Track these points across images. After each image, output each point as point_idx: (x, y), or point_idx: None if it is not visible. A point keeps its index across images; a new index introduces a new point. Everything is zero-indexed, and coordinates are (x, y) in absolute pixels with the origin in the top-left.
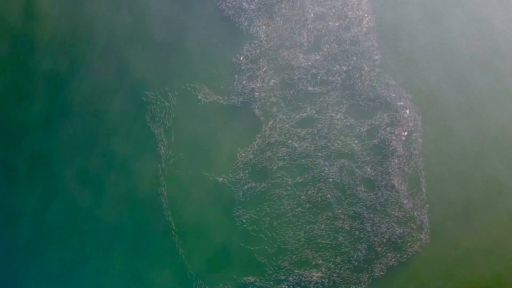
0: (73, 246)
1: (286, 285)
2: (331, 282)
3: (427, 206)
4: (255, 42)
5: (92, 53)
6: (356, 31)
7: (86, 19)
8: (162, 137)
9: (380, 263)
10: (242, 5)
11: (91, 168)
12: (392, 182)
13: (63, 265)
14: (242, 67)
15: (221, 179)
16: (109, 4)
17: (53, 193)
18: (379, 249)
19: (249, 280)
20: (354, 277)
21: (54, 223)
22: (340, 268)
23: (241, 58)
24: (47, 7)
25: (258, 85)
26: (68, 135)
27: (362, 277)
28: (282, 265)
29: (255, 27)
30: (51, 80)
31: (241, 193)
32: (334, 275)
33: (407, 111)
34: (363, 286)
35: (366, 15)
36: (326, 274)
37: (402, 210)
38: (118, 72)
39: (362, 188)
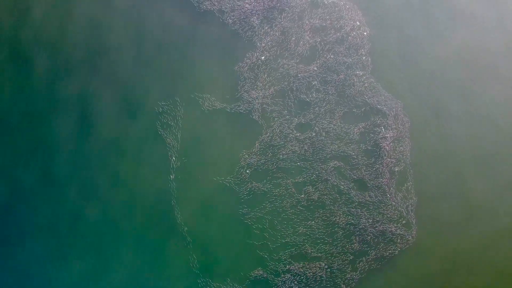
0: (86, 255)
1: (287, 277)
2: (329, 273)
3: (415, 199)
4: (257, 52)
5: (102, 65)
6: (350, 42)
7: (97, 32)
8: (173, 145)
9: (373, 256)
10: (245, 18)
11: (104, 176)
12: (383, 181)
13: (72, 270)
14: (244, 76)
15: (227, 181)
16: (120, 18)
17: (64, 199)
18: (373, 243)
19: (256, 274)
20: (350, 268)
21: (64, 229)
22: (337, 260)
23: (244, 67)
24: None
25: (260, 93)
26: (81, 142)
27: (357, 268)
28: (283, 259)
29: (257, 38)
30: (63, 89)
31: (245, 193)
32: (332, 266)
33: (397, 116)
34: (358, 276)
35: (360, 26)
36: (324, 266)
37: (393, 208)
38: (128, 84)
39: (356, 189)
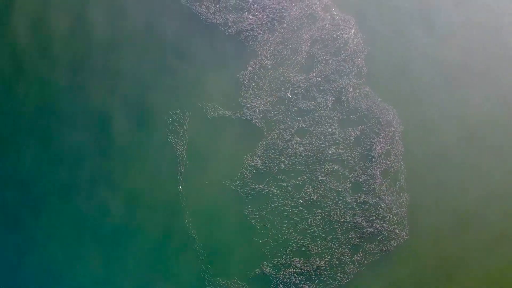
0: (93, 259)
1: (289, 272)
2: (328, 266)
3: (407, 200)
4: (258, 61)
5: (108, 74)
6: (346, 51)
7: (106, 44)
8: (181, 152)
9: (370, 251)
10: (249, 30)
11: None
12: (377, 183)
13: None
14: (247, 84)
15: (234, 183)
16: (126, 31)
17: (73, 203)
18: (369, 240)
19: (259, 270)
20: (348, 262)
21: (70, 235)
22: (336, 255)
23: (246, 75)
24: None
25: (262, 100)
26: (90, 148)
27: (355, 262)
28: (284, 255)
29: (259, 48)
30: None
31: (249, 194)
32: (331, 261)
33: (391, 121)
34: (357, 269)
35: (355, 37)
36: (323, 261)
37: (387, 207)
38: (137, 93)
39: (352, 190)
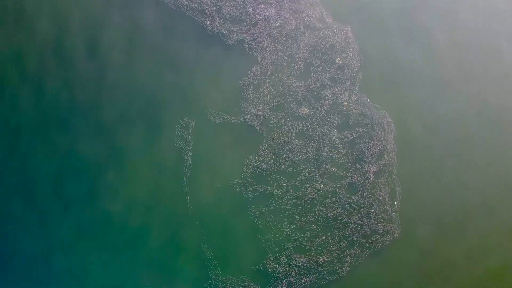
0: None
1: (289, 266)
2: (326, 260)
3: (400, 199)
4: (259, 68)
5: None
6: (342, 59)
7: (116, 55)
8: (188, 158)
9: (366, 246)
10: (252, 40)
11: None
12: (370, 183)
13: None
14: (248, 90)
15: (237, 185)
16: (135, 41)
17: (80, 210)
18: (365, 236)
19: (261, 266)
20: (345, 257)
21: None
22: (334, 250)
23: (248, 81)
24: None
25: (262, 105)
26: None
27: (352, 256)
28: (284, 251)
29: (260, 56)
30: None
31: (252, 195)
32: (329, 255)
33: (383, 125)
34: (354, 262)
35: (351, 45)
36: (322, 254)
37: (382, 206)
38: (145, 99)
39: (348, 190)
